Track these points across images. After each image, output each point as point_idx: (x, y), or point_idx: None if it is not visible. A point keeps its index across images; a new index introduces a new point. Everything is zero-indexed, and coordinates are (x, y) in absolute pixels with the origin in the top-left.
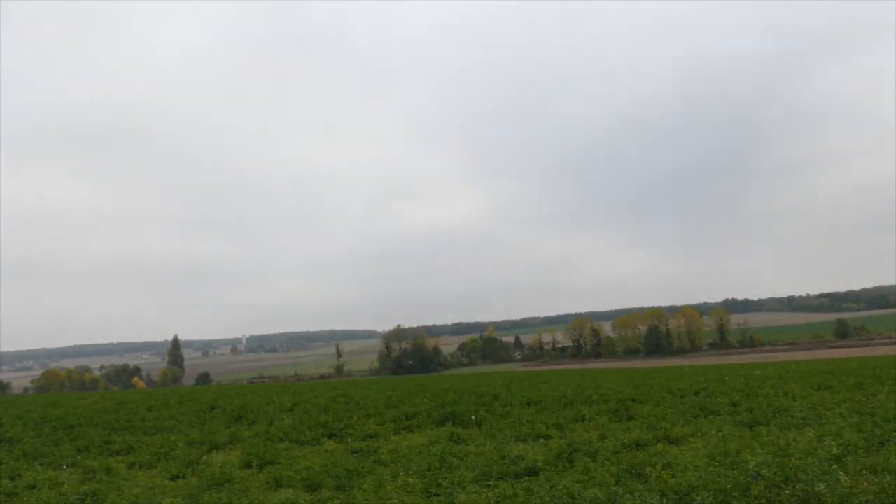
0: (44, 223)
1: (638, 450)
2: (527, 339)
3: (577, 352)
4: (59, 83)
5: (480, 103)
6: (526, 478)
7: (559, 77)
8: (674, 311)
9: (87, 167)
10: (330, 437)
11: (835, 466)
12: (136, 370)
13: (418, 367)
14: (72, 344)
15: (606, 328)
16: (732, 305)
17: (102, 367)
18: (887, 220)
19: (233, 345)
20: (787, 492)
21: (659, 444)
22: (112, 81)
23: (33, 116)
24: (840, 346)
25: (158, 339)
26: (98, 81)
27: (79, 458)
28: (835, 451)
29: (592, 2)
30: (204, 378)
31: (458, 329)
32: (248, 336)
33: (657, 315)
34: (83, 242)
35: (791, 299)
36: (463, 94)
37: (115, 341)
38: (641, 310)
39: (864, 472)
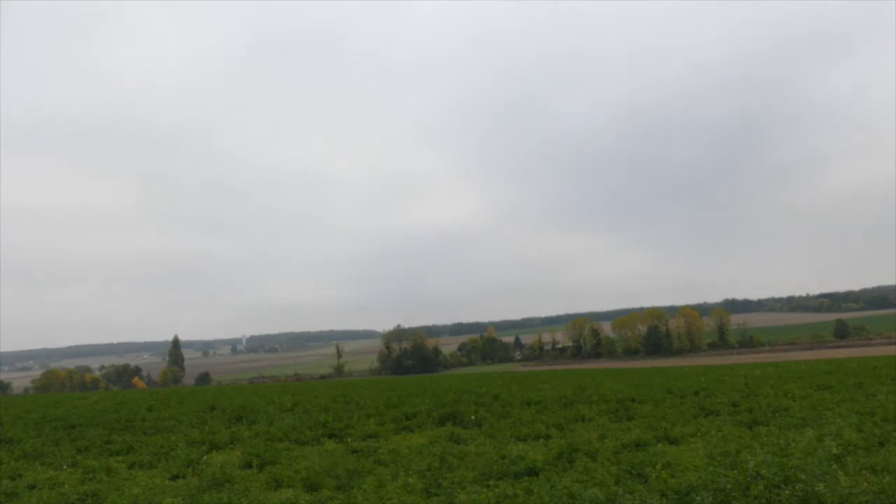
0: (44, 223)
1: (638, 450)
2: (527, 339)
3: (576, 352)
4: (60, 83)
5: (481, 103)
6: (526, 478)
7: (560, 78)
8: (673, 311)
9: (88, 167)
10: (330, 437)
11: (835, 466)
12: (137, 370)
13: (418, 367)
14: (72, 344)
15: (606, 328)
16: (732, 305)
17: (102, 367)
18: (887, 220)
19: (233, 345)
20: (787, 492)
21: (659, 444)
22: (113, 82)
23: (34, 116)
24: (839, 346)
25: (158, 339)
26: (99, 82)
27: (79, 458)
28: (834, 451)
29: (593, 2)
30: (204, 378)
31: (458, 329)
32: (248, 336)
33: (657, 315)
34: (83, 242)
35: (791, 299)
36: (463, 95)
37: (115, 341)
38: (641, 310)
39: (864, 472)
